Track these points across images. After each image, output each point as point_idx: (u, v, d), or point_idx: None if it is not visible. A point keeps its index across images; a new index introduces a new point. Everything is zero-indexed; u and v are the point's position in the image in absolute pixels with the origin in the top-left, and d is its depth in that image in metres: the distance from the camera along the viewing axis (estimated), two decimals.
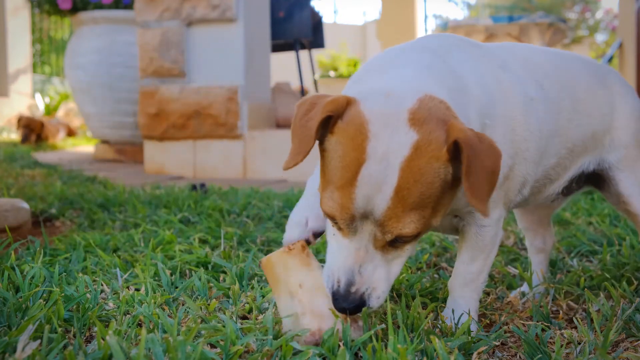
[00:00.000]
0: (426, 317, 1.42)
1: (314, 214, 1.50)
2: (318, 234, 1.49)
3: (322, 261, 1.72)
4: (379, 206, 1.24)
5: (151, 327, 1.46)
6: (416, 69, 1.39)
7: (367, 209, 1.24)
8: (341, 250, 1.31)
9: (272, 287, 1.44)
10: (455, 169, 1.27)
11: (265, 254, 2.32)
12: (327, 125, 1.28)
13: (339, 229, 1.31)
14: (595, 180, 1.82)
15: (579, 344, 1.41)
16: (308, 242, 1.47)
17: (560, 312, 1.71)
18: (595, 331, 1.48)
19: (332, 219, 1.30)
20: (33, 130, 8.56)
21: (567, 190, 1.79)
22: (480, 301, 1.75)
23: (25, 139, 8.48)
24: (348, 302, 1.29)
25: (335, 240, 1.34)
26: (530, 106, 1.54)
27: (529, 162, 1.55)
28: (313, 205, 1.51)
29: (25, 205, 2.64)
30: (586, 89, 1.72)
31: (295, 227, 1.50)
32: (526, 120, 1.52)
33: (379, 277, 1.31)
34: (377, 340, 1.30)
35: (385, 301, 1.36)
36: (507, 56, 1.61)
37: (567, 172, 1.73)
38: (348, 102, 1.28)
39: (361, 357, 1.31)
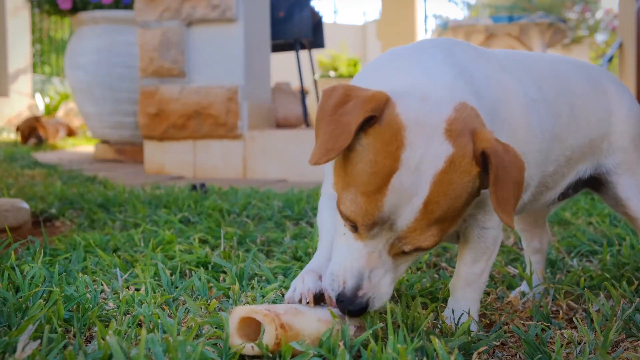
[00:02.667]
0: (426, 317, 1.42)
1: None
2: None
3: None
4: (405, 217, 1.22)
5: (151, 327, 1.46)
6: (441, 68, 1.34)
7: (391, 218, 1.22)
8: (351, 251, 1.29)
9: None
10: (481, 180, 1.26)
11: (266, 254, 2.33)
12: (361, 123, 1.22)
13: (353, 230, 1.28)
14: (592, 183, 1.80)
15: (579, 344, 1.41)
16: (319, 298, 1.38)
17: (560, 312, 1.71)
18: (595, 331, 1.48)
19: (352, 222, 1.26)
20: (31, 128, 8.54)
21: (562, 196, 1.78)
22: (480, 301, 1.75)
23: (26, 135, 8.46)
24: (354, 305, 1.27)
25: (345, 240, 1.30)
26: (532, 107, 1.52)
27: (532, 165, 1.52)
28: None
29: (25, 205, 2.64)
30: (582, 96, 1.71)
31: (313, 275, 1.41)
32: (527, 122, 1.50)
33: (386, 282, 1.30)
34: (376, 340, 1.30)
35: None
36: (504, 58, 1.59)
37: (564, 180, 1.72)
38: (386, 101, 1.23)
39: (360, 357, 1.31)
